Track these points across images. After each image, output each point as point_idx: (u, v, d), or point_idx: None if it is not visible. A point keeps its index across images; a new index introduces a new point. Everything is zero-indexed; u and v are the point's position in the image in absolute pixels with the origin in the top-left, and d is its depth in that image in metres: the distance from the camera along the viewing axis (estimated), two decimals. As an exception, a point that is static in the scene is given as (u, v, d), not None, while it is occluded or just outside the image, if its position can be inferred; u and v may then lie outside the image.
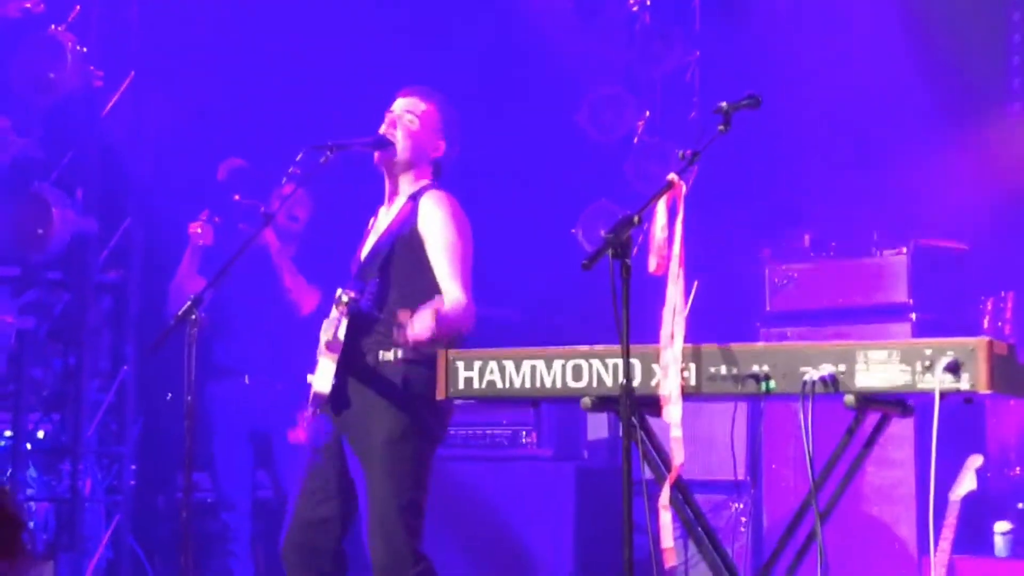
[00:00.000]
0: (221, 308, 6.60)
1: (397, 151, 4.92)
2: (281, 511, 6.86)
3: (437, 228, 4.82)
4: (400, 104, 4.99)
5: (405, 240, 4.84)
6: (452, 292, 4.74)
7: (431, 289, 4.78)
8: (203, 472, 7.07)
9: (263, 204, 6.39)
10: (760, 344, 4.03)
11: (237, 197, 6.72)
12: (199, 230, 6.69)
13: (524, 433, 6.76)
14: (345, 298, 4.74)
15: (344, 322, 4.75)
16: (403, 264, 4.81)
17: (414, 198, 4.91)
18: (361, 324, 4.79)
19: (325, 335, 4.78)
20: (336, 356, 4.75)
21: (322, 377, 4.78)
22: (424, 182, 4.97)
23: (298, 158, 4.65)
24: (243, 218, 6.72)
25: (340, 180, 5.91)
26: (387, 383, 4.73)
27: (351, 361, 4.77)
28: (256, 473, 7.10)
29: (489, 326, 6.47)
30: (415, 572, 4.71)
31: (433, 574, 4.75)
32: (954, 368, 3.67)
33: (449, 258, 4.78)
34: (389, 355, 4.74)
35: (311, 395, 4.76)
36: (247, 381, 6.81)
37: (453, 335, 4.68)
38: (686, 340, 4.10)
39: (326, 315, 4.86)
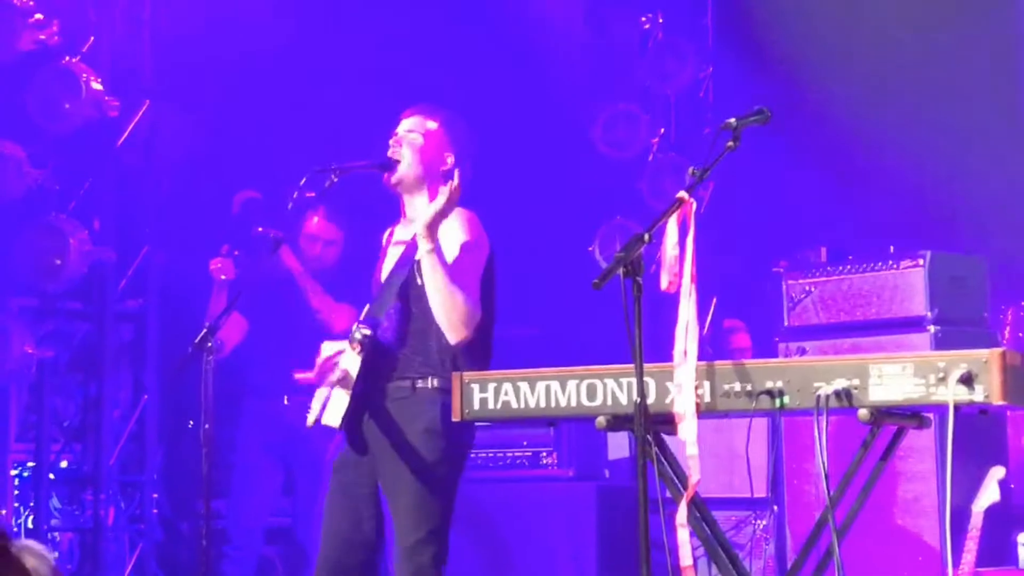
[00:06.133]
0: (258, 333, 6.65)
1: (402, 168, 4.93)
2: (296, 537, 6.85)
3: (450, 241, 4.81)
4: (404, 124, 5.00)
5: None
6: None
7: None
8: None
9: (282, 232, 6.44)
10: (773, 360, 4.01)
11: (260, 229, 6.73)
12: (219, 265, 6.69)
13: (544, 454, 6.75)
14: (359, 335, 4.74)
15: (359, 360, 4.75)
16: (422, 289, 4.80)
17: None
18: (381, 357, 4.78)
19: (339, 370, 4.78)
20: (349, 392, 4.76)
21: (334, 410, 4.79)
22: None
23: (302, 182, 4.66)
24: (265, 249, 6.76)
25: (368, 201, 5.93)
26: (422, 409, 4.73)
27: (369, 395, 4.77)
28: (279, 498, 7.07)
29: (507, 345, 6.48)
30: None
31: None
32: (967, 380, 3.65)
33: (466, 276, 4.77)
34: (426, 384, 4.74)
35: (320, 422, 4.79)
36: (286, 402, 6.79)
37: (447, 306, 4.64)
38: (706, 357, 4.09)
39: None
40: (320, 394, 4.82)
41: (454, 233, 4.79)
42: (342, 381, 4.77)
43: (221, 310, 6.61)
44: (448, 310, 4.68)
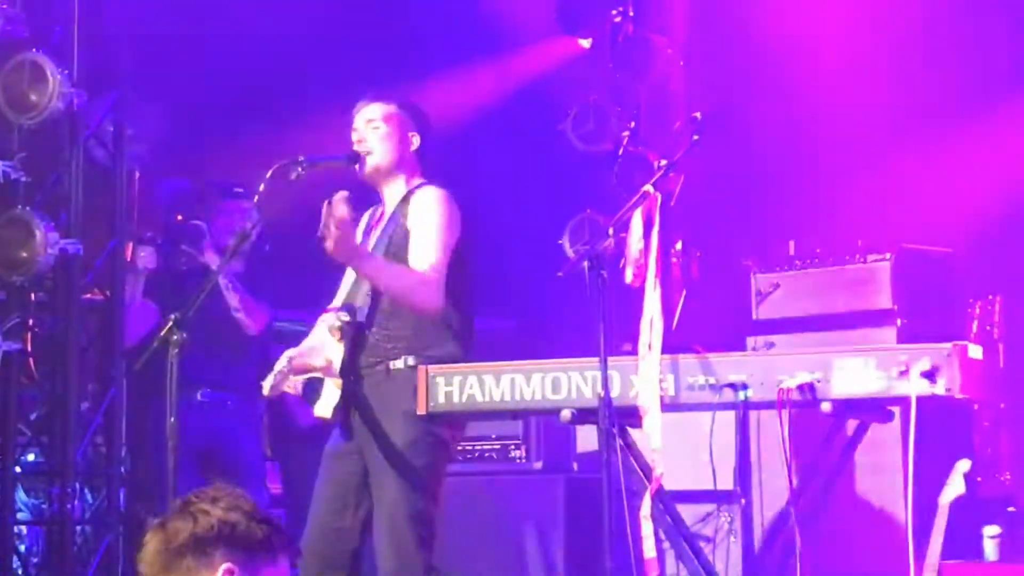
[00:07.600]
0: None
1: (374, 160, 4.93)
2: None
3: (421, 213, 4.83)
4: (361, 117, 5.00)
5: (398, 243, 4.84)
6: (417, 265, 4.75)
7: None
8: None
9: (205, 223, 6.43)
10: (737, 353, 4.03)
11: (180, 217, 6.74)
12: (142, 254, 6.69)
13: (513, 446, 6.74)
14: (338, 323, 4.74)
15: (342, 347, 4.76)
16: None
17: (406, 199, 4.92)
18: (359, 343, 4.79)
19: (323, 357, 4.78)
20: (338, 381, 4.77)
21: (325, 402, 4.82)
22: (417, 180, 4.98)
23: (268, 175, 4.66)
24: (186, 239, 6.74)
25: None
26: (398, 392, 4.73)
27: (354, 381, 4.78)
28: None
29: (478, 337, 6.48)
30: None
31: None
32: (930, 373, 3.67)
33: (425, 238, 4.77)
34: (400, 364, 4.75)
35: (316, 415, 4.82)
36: (200, 397, 6.75)
37: (397, 293, 4.74)
38: (675, 351, 4.10)
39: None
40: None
41: (424, 214, 4.82)
42: (328, 371, 4.79)
43: (136, 301, 6.60)
44: (401, 298, 4.74)
